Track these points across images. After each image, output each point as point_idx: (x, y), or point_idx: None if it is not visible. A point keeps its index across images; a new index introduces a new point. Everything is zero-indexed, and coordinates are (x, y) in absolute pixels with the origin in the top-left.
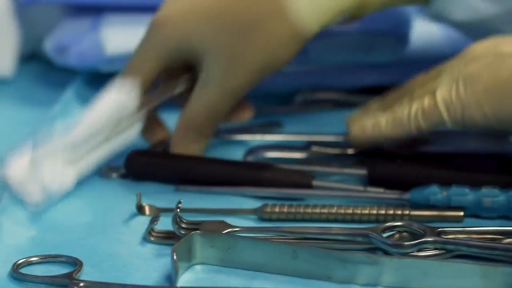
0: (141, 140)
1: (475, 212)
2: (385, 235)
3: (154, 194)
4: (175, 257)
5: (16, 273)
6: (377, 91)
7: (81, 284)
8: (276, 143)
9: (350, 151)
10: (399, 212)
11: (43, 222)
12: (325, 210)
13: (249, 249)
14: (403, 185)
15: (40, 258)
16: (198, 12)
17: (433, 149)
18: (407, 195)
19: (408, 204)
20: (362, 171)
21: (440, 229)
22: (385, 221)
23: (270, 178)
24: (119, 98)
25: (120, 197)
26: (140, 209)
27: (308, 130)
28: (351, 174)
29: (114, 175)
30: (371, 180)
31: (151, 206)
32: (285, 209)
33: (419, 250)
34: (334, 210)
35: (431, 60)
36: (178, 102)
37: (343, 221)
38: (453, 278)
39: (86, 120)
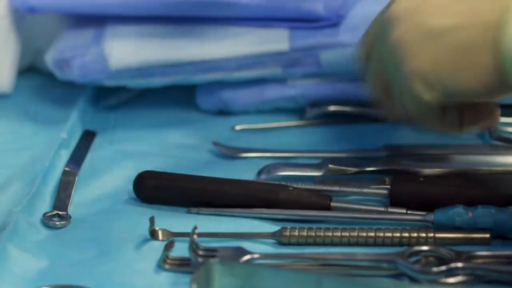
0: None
1: (503, 234)
2: (411, 260)
3: (165, 217)
4: (195, 287)
5: None
6: None
7: None
8: (289, 160)
9: (368, 168)
10: (423, 234)
11: (52, 250)
12: (347, 233)
13: (270, 277)
14: (426, 205)
15: None
16: None
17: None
18: (430, 217)
19: (432, 225)
20: (383, 191)
21: (468, 253)
22: (409, 244)
23: (286, 199)
24: None
25: (130, 221)
26: (153, 234)
27: (321, 146)
28: (371, 194)
29: None
30: (392, 200)
31: (164, 231)
32: (305, 233)
33: (447, 276)
34: (355, 233)
35: None
36: None
37: (365, 244)
38: None
39: None
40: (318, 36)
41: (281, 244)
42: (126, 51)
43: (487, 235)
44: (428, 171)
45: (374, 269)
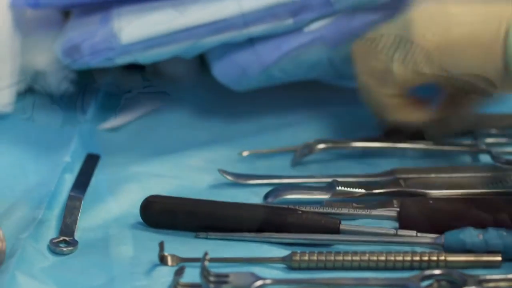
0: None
1: None
2: (423, 284)
3: (173, 242)
4: None
5: None
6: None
7: None
8: (296, 184)
9: (376, 191)
10: (434, 258)
11: (60, 277)
12: (357, 258)
13: None
14: (436, 227)
15: None
16: None
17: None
18: (441, 239)
19: (443, 248)
20: (392, 213)
21: (479, 277)
22: (420, 267)
23: (295, 223)
24: None
25: (138, 247)
26: (162, 259)
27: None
28: (380, 216)
29: None
30: (402, 223)
31: (173, 256)
32: (315, 257)
33: None
34: (366, 257)
35: None
36: None
37: (376, 268)
38: None
39: None
40: None
41: (291, 268)
42: (136, 25)
43: (498, 258)
44: (436, 193)
45: None
